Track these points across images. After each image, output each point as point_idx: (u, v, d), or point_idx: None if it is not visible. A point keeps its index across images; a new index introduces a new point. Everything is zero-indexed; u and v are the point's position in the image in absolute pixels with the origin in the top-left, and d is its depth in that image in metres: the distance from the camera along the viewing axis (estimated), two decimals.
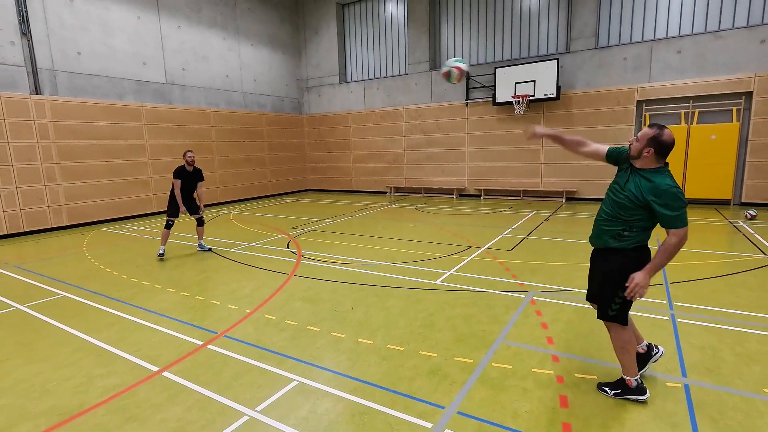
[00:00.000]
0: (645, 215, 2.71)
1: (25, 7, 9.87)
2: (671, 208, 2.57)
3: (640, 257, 2.82)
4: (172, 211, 7.50)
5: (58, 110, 10.44)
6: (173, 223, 7.56)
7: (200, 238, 7.91)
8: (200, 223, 7.85)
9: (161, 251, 7.40)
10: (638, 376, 2.96)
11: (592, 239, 3.06)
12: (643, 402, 2.93)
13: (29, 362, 3.82)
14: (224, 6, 14.65)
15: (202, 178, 7.69)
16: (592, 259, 3.12)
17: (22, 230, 9.99)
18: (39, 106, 10.11)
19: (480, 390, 3.15)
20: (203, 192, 7.91)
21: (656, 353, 3.24)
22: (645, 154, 2.69)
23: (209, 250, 7.86)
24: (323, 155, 18.31)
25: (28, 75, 10.05)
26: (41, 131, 10.16)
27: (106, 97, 11.50)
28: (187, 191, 7.56)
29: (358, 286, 5.63)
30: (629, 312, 2.91)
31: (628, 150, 2.83)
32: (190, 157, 7.41)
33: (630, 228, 2.78)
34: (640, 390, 2.92)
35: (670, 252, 2.62)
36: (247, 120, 15.67)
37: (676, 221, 2.58)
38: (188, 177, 7.50)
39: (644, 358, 3.19)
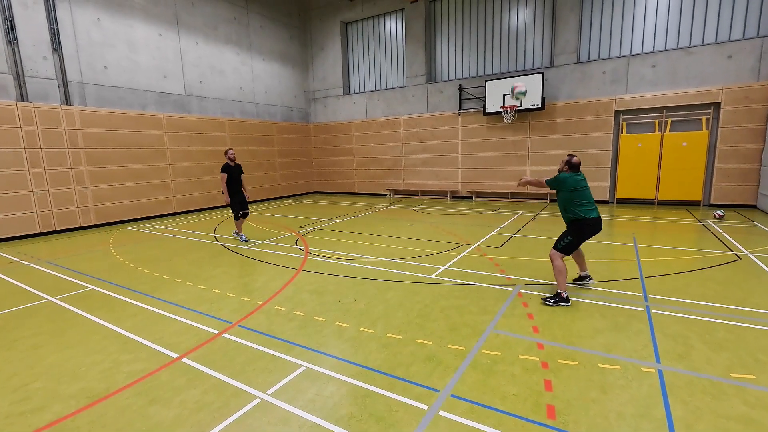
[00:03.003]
0: (565, 198, 4.63)
1: (57, 26, 9.87)
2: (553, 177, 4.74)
3: (575, 225, 4.60)
4: (233, 208, 8.12)
5: (87, 119, 10.44)
6: (239, 215, 8.18)
7: (239, 229, 8.38)
8: (244, 216, 8.32)
9: (243, 238, 8.19)
10: (566, 290, 4.50)
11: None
12: (567, 305, 4.41)
13: (61, 349, 3.83)
14: (238, 24, 14.65)
15: (242, 171, 8.26)
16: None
17: (53, 229, 9.99)
18: (69, 115, 10.11)
19: (472, 375, 3.16)
20: (245, 182, 8.43)
21: (588, 280, 5.03)
22: (564, 168, 4.68)
23: (246, 241, 8.25)
24: (328, 160, 18.30)
25: (59, 87, 10.05)
26: (71, 138, 10.16)
27: (130, 108, 11.50)
28: (235, 183, 8.06)
29: (360, 279, 5.63)
30: (569, 254, 4.68)
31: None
32: (231, 153, 8.00)
33: (565, 210, 4.67)
34: (568, 299, 4.46)
35: (541, 183, 4.89)
36: (259, 128, 15.66)
37: (550, 183, 4.71)
38: (233, 171, 8.01)
39: (580, 278, 5.07)
